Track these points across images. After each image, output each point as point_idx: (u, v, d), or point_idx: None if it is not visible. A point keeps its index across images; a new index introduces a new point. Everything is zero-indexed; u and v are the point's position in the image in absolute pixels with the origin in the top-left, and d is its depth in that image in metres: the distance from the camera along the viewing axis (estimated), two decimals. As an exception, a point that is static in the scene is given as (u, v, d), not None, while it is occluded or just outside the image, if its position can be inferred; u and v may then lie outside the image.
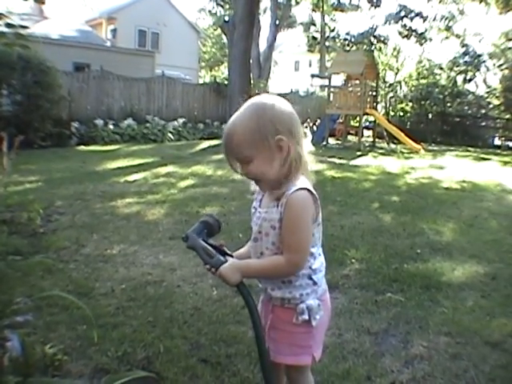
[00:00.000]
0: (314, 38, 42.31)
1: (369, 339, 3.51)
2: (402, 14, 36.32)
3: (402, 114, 28.72)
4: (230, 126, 1.91)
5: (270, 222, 1.94)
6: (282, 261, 1.91)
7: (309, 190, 1.88)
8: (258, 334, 1.92)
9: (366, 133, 25.42)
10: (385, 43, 36.38)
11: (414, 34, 36.13)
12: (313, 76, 31.63)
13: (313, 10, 41.97)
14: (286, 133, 1.87)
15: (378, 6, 37.20)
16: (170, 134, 19.80)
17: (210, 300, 4.09)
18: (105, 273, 4.70)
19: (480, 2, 33.88)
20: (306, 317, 1.97)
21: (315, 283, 2.01)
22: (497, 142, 26.99)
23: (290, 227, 1.88)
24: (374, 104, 22.61)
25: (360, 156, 16.90)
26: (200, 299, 4.11)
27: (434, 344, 3.47)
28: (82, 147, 16.16)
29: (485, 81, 31.29)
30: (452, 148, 23.16)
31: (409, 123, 27.90)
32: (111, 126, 18.55)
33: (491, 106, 27.96)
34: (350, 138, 23.94)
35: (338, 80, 25.87)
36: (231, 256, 2.04)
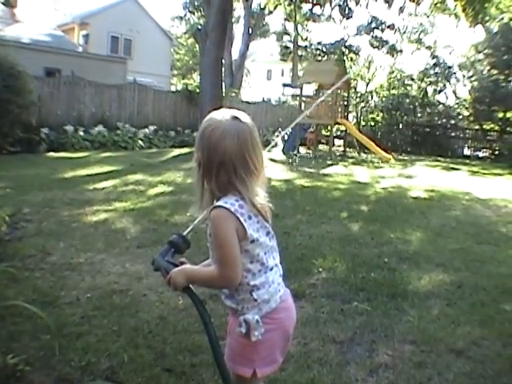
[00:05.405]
0: (287, 48, 42.56)
1: (334, 348, 3.52)
2: (374, 25, 36.77)
3: (372, 123, 28.97)
4: None
5: (209, 236, 2.03)
6: (215, 273, 1.94)
7: (226, 208, 1.88)
8: (210, 334, 1.97)
9: (337, 142, 25.59)
10: (356, 53, 36.72)
11: (384, 45, 36.56)
12: (284, 85, 31.83)
13: (286, 20, 42.26)
14: (209, 151, 1.93)
15: (350, 17, 37.61)
16: (140, 142, 19.71)
17: (175, 309, 4.06)
18: (70, 281, 4.64)
19: (450, 15, 34.46)
20: (243, 330, 1.96)
21: (255, 300, 1.99)
22: (466, 152, 27.43)
23: (214, 241, 1.94)
24: (346, 114, 22.79)
25: (330, 165, 17.00)
26: (166, 308, 4.08)
27: (399, 352, 3.49)
28: (52, 154, 15.99)
29: (455, 92, 31.76)
30: (422, 158, 23.46)
31: (379, 133, 28.14)
32: (81, 133, 18.37)
33: (461, 116, 28.45)
34: (320, 147, 24.11)
35: (309, 89, 26.05)
36: None
